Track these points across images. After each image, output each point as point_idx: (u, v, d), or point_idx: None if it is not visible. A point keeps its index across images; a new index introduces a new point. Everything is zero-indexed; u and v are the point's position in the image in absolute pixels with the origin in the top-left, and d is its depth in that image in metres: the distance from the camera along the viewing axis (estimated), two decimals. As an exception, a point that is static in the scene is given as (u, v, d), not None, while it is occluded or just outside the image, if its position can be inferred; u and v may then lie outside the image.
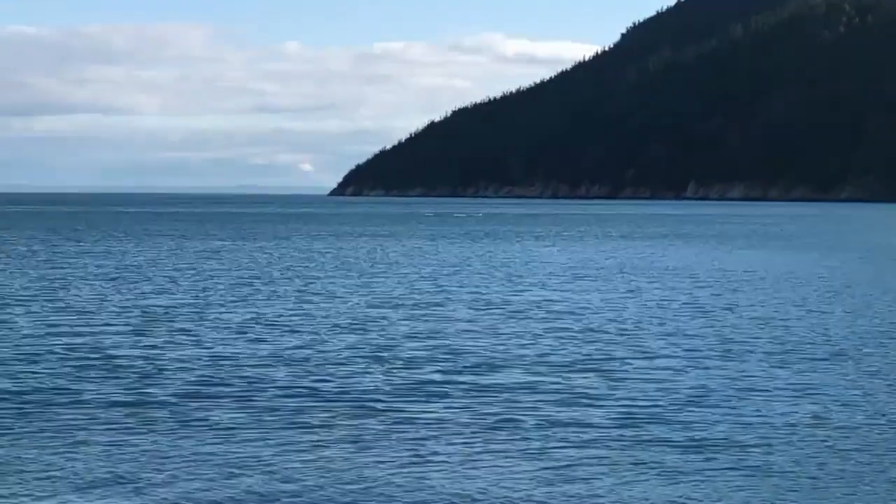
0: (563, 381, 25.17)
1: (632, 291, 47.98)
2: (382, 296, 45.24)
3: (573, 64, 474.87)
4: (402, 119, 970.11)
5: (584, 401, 22.91)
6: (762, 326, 35.40)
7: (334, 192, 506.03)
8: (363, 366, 27.14)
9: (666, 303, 42.71)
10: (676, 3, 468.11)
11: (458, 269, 61.96)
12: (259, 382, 24.75)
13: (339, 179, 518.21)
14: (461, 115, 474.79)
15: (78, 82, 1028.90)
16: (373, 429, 20.25)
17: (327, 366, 27.10)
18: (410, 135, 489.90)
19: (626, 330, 34.42)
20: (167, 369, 26.45)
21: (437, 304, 42.08)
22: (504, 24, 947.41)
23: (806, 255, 75.63)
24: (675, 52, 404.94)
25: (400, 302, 42.77)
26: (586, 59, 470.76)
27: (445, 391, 23.87)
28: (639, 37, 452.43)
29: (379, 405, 22.31)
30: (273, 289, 48.35)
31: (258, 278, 54.22)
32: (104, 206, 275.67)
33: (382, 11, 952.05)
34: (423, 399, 23.00)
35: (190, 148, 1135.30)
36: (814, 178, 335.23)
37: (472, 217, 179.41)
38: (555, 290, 48.81)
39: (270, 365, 27.21)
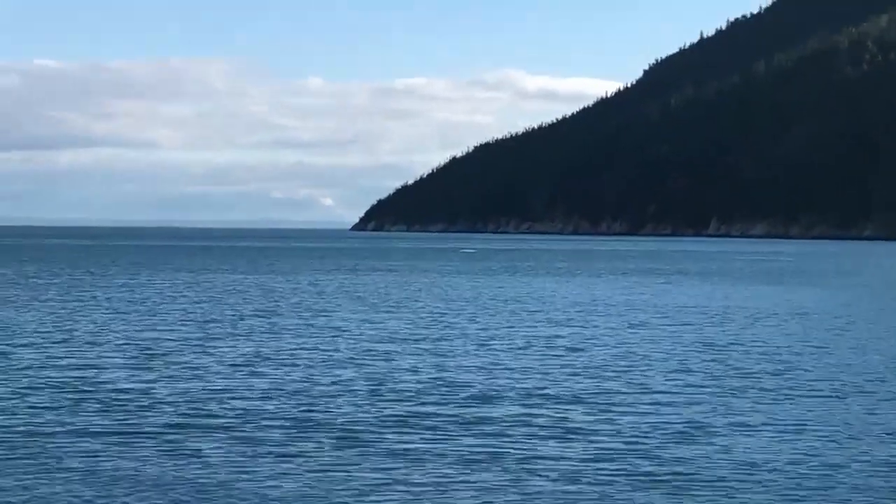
0: (551, 415, 25.16)
1: (637, 327, 47.89)
2: (386, 330, 45.30)
3: (594, 100, 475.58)
4: (424, 154, 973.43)
5: (571, 435, 22.90)
6: (763, 363, 35.27)
7: (356, 227, 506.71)
8: (350, 398, 27.24)
9: (671, 339, 42.47)
10: (699, 40, 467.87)
11: (467, 304, 61.71)
12: (246, 414, 24.93)
13: (361, 214, 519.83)
14: (482, 150, 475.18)
15: (101, 116, 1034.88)
16: (354, 460, 20.39)
17: (317, 398, 27.26)
18: (432, 170, 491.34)
19: (625, 366, 34.34)
20: (157, 401, 26.67)
21: (439, 339, 42.11)
22: (526, 61, 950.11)
23: (820, 292, 75.29)
24: (696, 89, 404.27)
25: (402, 336, 42.95)
26: (608, 95, 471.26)
27: (433, 423, 23.93)
28: (661, 73, 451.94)
29: (363, 436, 22.48)
30: (277, 322, 48.44)
31: (265, 312, 54.25)
32: (125, 239, 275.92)
33: (404, 47, 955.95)
34: (405, 431, 23.07)
35: (212, 182, 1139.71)
36: (835, 215, 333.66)
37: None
38: (560, 325, 48.69)
39: (259, 397, 27.37)
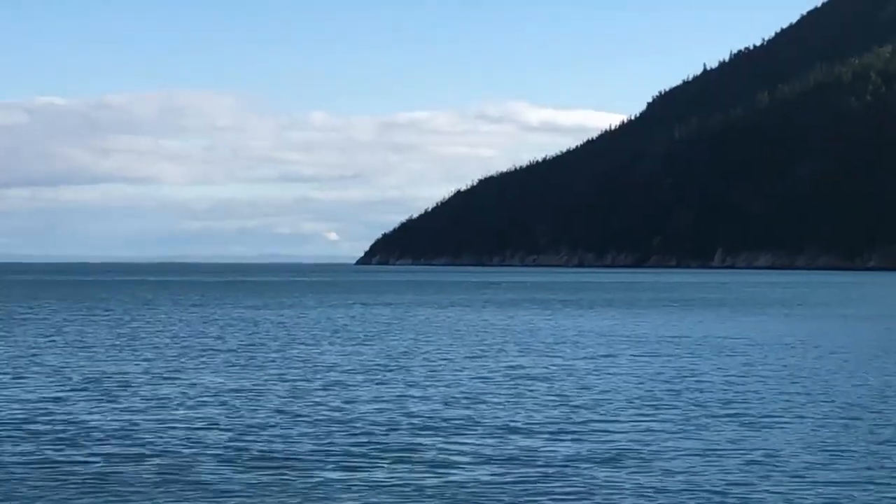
0: (502, 446, 25.23)
1: (614, 357, 47.53)
2: (359, 363, 44.86)
3: (598, 132, 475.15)
4: (428, 188, 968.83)
5: (517, 463, 23.12)
6: (735, 392, 35.21)
7: (361, 262, 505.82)
8: (304, 430, 27.51)
9: (651, 370, 42.25)
10: (702, 72, 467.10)
11: (455, 335, 61.23)
12: (192, 447, 25.09)
13: (365, 248, 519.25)
14: (487, 183, 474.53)
15: (104, 152, 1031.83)
16: (295, 491, 20.63)
17: (270, 430, 27.46)
18: (437, 204, 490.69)
19: (597, 396, 34.07)
20: (105, 434, 26.87)
21: (405, 369, 42.21)
22: (529, 93, 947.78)
23: (818, 322, 75.11)
24: (700, 121, 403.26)
25: (372, 367, 43.09)
26: (612, 127, 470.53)
27: (376, 454, 24.22)
28: (664, 105, 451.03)
29: (307, 467, 22.74)
30: (255, 356, 48.03)
31: (244, 345, 53.92)
32: (127, 275, 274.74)
33: (407, 81, 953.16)
34: (350, 462, 23.40)
35: (215, 217, 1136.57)
36: (840, 246, 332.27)
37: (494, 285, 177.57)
38: (537, 356, 48.35)
39: (208, 429, 27.59)
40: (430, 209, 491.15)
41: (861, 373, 41.19)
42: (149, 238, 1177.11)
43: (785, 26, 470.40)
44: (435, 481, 21.39)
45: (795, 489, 20.93)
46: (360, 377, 39.39)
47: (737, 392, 35.06)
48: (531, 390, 35.56)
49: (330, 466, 22.69)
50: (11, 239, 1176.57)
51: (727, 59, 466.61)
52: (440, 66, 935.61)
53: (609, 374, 40.83)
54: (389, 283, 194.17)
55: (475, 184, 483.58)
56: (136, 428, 27.54)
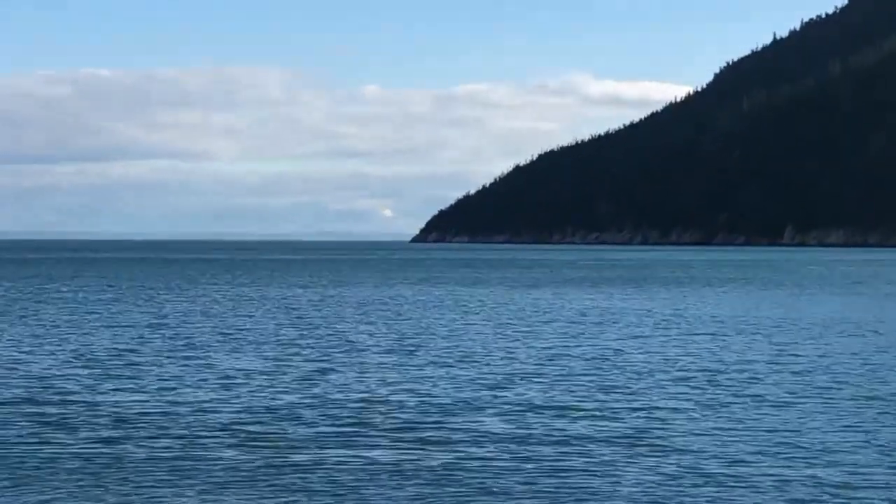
0: (520, 425, 24.87)
1: (639, 339, 46.34)
2: (377, 345, 43.47)
3: (662, 105, 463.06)
4: (486, 163, 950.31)
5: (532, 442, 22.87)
6: (758, 375, 34.06)
7: (416, 239, 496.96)
8: (322, 411, 26.93)
9: (675, 351, 41.18)
10: (772, 42, 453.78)
11: (481, 317, 58.63)
12: (198, 428, 24.68)
13: (421, 225, 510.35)
14: (547, 158, 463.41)
15: (153, 126, 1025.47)
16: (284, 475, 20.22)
17: (279, 412, 26.84)
18: (495, 179, 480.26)
19: (624, 377, 33.50)
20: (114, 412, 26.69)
21: (420, 352, 40.99)
22: (590, 65, 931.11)
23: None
24: (770, 93, 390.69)
25: (378, 349, 41.93)
26: (677, 99, 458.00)
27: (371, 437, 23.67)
28: (732, 77, 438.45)
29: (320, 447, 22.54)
30: (274, 338, 46.28)
31: (269, 327, 51.71)
32: (174, 253, 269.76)
33: (464, 53, 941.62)
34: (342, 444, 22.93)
35: (267, 193, 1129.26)
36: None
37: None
38: (578, 337, 47.02)
39: (213, 411, 27.00)
40: (487, 185, 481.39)
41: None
42: (199, 214, 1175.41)
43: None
44: (452, 460, 21.26)
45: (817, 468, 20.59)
46: (381, 358, 38.60)
47: (759, 375, 33.89)
48: (566, 372, 34.72)
49: (340, 446, 22.64)
50: (59, 216, 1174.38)
51: (798, 28, 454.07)
52: (498, 38, 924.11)
53: (633, 355, 39.86)
54: (440, 261, 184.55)
55: (535, 159, 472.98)
56: (143, 408, 27.48)
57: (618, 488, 19.21)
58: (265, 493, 19.03)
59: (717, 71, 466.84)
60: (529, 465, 20.85)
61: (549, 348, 41.76)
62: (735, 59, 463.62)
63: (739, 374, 34.01)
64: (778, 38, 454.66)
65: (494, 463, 20.99)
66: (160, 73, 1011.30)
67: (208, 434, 23.96)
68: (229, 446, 22.66)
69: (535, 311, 62.69)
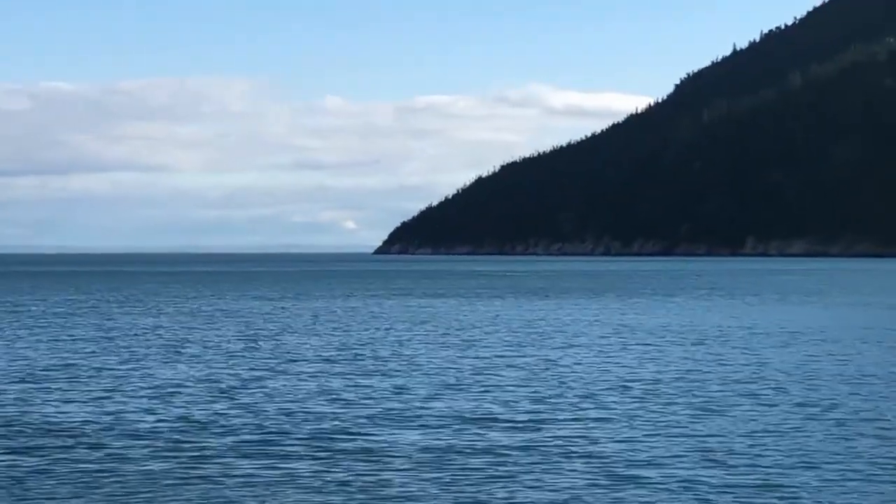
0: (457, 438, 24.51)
1: (581, 348, 46.41)
2: (321, 356, 43.28)
3: (624, 116, 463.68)
4: (449, 174, 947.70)
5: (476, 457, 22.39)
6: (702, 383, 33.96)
7: (380, 251, 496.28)
8: (254, 422, 26.79)
9: (613, 361, 41.26)
10: (732, 53, 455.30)
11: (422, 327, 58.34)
12: (127, 439, 24.39)
13: (384, 237, 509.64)
14: (510, 169, 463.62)
15: (115, 139, 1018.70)
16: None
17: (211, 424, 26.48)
18: (458, 191, 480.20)
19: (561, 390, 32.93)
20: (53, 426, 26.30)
21: (365, 359, 41.15)
22: (552, 76, 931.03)
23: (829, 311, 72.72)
24: (730, 103, 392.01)
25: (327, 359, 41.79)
26: (638, 110, 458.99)
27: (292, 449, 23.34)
28: (693, 87, 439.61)
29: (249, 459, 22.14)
30: (222, 349, 46.34)
31: (219, 339, 51.27)
32: (138, 265, 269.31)
33: (426, 64, 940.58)
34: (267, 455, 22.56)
35: (230, 206, 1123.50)
36: (877, 232, 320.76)
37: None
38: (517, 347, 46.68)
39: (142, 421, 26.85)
40: (450, 196, 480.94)
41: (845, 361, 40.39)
42: (162, 227, 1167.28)
43: (818, 4, 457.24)
44: (371, 470, 21.09)
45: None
46: (318, 369, 38.49)
47: (692, 383, 33.99)
48: (499, 383, 34.58)
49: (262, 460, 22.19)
50: (20, 230, 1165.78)
51: (758, 38, 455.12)
52: (459, 49, 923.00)
53: (570, 365, 39.75)
54: (400, 273, 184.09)
55: (497, 170, 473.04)
56: (68, 419, 27.28)
57: (534, 496, 19.12)
58: (174, 502, 18.89)
59: (678, 82, 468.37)
60: (447, 475, 20.72)
61: (488, 358, 41.69)
62: (695, 70, 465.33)
63: (674, 382, 33.98)
64: (738, 48, 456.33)
65: (411, 473, 20.90)
66: (122, 86, 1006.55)
67: (127, 444, 23.85)
68: (146, 457, 22.51)
69: (482, 322, 62.47)
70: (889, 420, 26.75)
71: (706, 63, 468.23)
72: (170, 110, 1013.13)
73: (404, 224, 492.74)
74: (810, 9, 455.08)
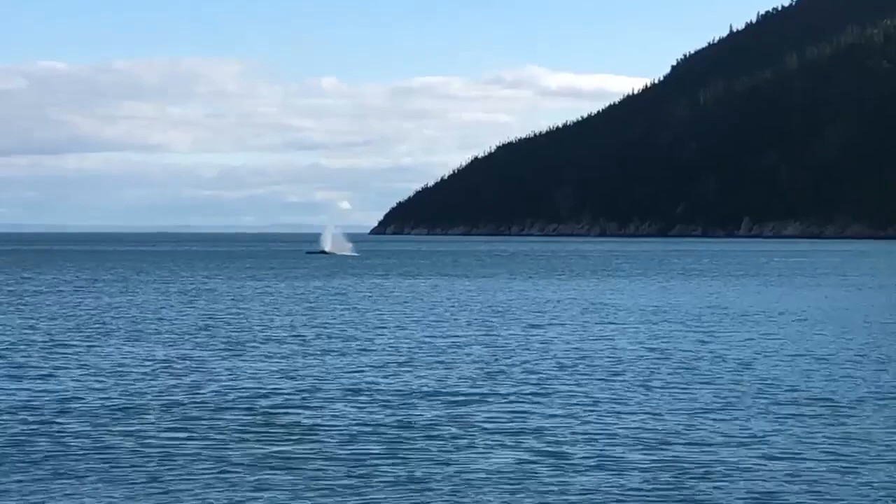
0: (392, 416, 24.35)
1: (551, 326, 46.29)
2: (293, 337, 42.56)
3: (620, 97, 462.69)
4: (443, 155, 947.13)
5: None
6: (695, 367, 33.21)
7: (375, 231, 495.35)
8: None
9: (613, 340, 41.05)
10: (728, 34, 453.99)
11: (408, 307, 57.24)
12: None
13: (379, 217, 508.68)
14: (505, 150, 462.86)
15: (108, 119, 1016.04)
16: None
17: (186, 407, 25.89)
18: (453, 171, 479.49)
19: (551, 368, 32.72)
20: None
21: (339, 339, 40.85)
22: (547, 57, 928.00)
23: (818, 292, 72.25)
24: (727, 85, 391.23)
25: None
26: (635, 92, 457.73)
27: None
28: (689, 69, 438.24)
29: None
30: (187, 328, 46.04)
31: (182, 319, 50.71)
32: (129, 244, 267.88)
33: (420, 45, 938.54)
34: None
35: (224, 186, 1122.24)
36: (872, 215, 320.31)
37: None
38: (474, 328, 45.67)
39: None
40: (445, 177, 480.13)
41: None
42: (155, 207, 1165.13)
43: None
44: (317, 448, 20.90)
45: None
46: (276, 348, 38.24)
47: (652, 364, 33.75)
48: (461, 360, 34.70)
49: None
50: (13, 209, 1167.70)
51: (754, 20, 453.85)
52: (454, 30, 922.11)
53: (535, 344, 39.56)
54: (394, 252, 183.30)
55: (492, 151, 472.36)
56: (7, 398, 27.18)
57: (484, 473, 19.18)
58: (105, 482, 18.77)
59: (674, 63, 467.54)
60: (396, 452, 20.77)
61: (456, 337, 41.69)
62: (692, 52, 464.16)
63: (633, 361, 33.78)
64: (735, 30, 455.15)
65: (358, 448, 20.98)
66: (115, 66, 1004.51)
67: (64, 423, 23.81)
68: (79, 434, 22.50)
69: (463, 301, 62.35)
70: (831, 400, 26.53)
71: (703, 45, 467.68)
72: (163, 90, 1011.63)
73: (400, 204, 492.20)
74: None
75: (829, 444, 21.34)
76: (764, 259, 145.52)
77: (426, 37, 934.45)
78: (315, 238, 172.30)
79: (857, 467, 19.42)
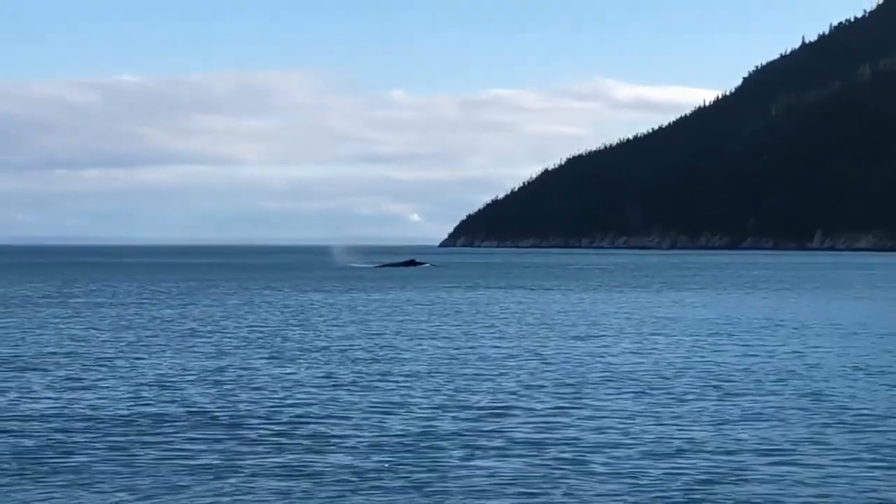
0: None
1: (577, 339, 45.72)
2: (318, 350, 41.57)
3: (691, 109, 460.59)
4: (513, 167, 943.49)
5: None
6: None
7: (444, 244, 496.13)
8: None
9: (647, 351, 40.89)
10: (801, 45, 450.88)
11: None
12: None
13: (449, 229, 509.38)
14: (575, 162, 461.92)
15: (180, 132, 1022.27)
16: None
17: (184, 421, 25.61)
18: (523, 183, 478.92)
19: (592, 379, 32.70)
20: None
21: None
22: (617, 69, 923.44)
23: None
24: (799, 97, 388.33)
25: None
26: (705, 103, 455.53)
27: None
28: (761, 81, 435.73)
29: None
30: (236, 342, 44.90)
31: (236, 332, 49.75)
32: (200, 257, 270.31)
33: (491, 58, 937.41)
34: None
35: (295, 198, 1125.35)
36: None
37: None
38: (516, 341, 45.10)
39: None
40: (516, 189, 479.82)
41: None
42: (226, 220, 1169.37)
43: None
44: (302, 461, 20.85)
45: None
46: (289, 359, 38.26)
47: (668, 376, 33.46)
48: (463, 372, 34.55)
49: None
50: (85, 221, 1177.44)
51: (827, 31, 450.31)
52: (524, 43, 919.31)
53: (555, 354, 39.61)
54: (458, 264, 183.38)
55: (563, 163, 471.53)
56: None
57: (506, 481, 19.17)
58: (127, 490, 18.88)
59: (746, 75, 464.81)
60: (417, 462, 20.83)
61: (499, 348, 41.40)
62: (763, 63, 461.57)
63: (678, 375, 33.64)
64: (807, 41, 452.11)
65: (380, 459, 20.97)
66: (188, 79, 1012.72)
67: (92, 432, 23.91)
68: (105, 443, 22.62)
69: (515, 312, 62.19)
70: (870, 410, 26.29)
71: (774, 56, 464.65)
72: (235, 103, 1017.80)
73: (469, 217, 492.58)
74: (880, 1, 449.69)
75: (865, 459, 21.14)
76: (837, 272, 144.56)
77: (496, 49, 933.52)
78: (385, 251, 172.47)
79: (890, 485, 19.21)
